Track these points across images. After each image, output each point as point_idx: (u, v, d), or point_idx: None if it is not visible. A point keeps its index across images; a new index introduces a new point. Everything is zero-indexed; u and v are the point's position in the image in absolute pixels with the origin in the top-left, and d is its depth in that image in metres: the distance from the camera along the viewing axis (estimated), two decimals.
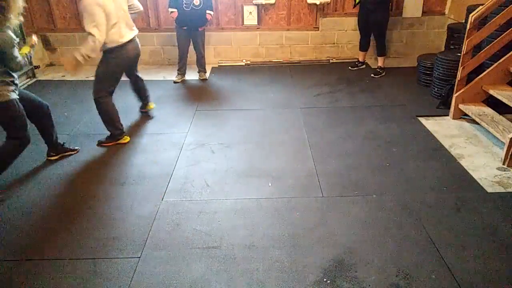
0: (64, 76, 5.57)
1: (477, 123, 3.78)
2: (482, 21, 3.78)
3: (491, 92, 3.77)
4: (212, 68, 5.81)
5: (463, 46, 3.86)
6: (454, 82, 4.09)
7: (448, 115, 4.14)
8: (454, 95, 4.03)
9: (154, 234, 2.61)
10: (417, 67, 5.04)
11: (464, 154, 3.44)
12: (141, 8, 3.86)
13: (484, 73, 3.85)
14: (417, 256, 2.37)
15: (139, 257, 2.42)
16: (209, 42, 5.77)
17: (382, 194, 2.94)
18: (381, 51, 5.29)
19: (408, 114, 4.21)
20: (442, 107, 4.29)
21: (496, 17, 3.63)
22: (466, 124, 3.96)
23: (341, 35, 5.89)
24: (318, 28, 5.83)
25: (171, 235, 2.59)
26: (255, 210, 2.81)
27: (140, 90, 4.18)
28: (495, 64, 3.77)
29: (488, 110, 3.80)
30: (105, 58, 3.54)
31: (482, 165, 3.28)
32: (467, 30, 3.79)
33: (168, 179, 3.18)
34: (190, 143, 3.75)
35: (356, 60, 5.72)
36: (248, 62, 5.94)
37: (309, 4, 5.66)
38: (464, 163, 3.31)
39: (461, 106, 3.98)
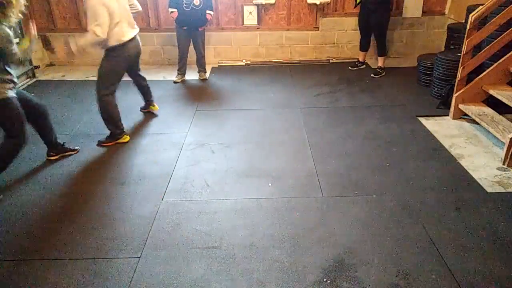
0: (64, 76, 5.58)
1: (477, 123, 3.78)
2: (482, 21, 3.78)
3: (491, 92, 3.77)
4: (212, 68, 5.81)
5: (463, 46, 3.86)
6: (454, 82, 4.09)
7: (448, 115, 4.14)
8: (454, 95, 4.03)
9: (154, 234, 2.61)
10: (417, 67, 5.04)
11: (464, 154, 3.44)
12: (140, 8, 3.88)
13: (484, 73, 3.85)
14: (417, 256, 2.37)
15: (139, 257, 2.42)
16: (209, 42, 5.77)
17: (382, 194, 2.94)
18: (382, 51, 5.29)
19: (408, 114, 4.21)
20: (442, 107, 4.29)
21: (496, 17, 3.63)
22: (466, 124, 3.96)
23: (341, 35, 5.89)
24: (318, 28, 5.83)
25: (171, 235, 2.59)
26: (255, 210, 2.81)
27: (143, 89, 4.19)
28: (495, 64, 3.77)
29: (488, 110, 3.80)
30: (107, 56, 3.56)
31: (482, 165, 3.28)
32: (467, 30, 3.79)
33: (168, 179, 3.18)
34: (190, 143, 3.75)
35: (356, 60, 5.72)
36: (248, 62, 5.94)
37: (309, 4, 5.66)
38: (464, 163, 3.31)
39: (461, 106, 3.98)
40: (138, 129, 4.02)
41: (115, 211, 2.83)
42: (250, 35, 5.86)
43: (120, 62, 3.60)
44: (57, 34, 5.78)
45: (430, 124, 3.99)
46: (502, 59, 3.73)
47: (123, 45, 3.52)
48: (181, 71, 5.31)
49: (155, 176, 3.22)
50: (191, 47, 5.21)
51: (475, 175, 3.14)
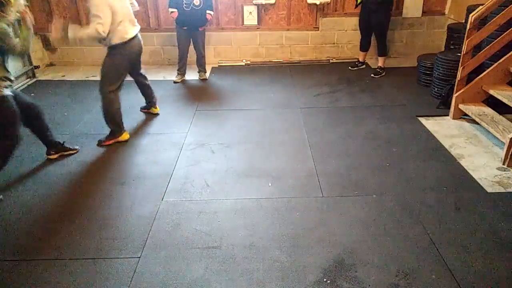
0: (64, 76, 5.58)
1: (477, 123, 3.78)
2: (482, 21, 3.78)
3: (491, 92, 3.77)
4: (212, 68, 5.81)
5: (463, 46, 3.86)
6: (454, 82, 4.09)
7: (448, 115, 4.14)
8: (454, 95, 4.03)
9: (154, 234, 2.61)
10: (417, 67, 5.04)
11: (464, 154, 3.44)
12: (138, 7, 3.91)
13: (484, 73, 3.84)
14: (417, 256, 2.37)
15: (139, 257, 2.42)
16: (209, 42, 5.77)
17: (382, 194, 2.94)
18: (382, 51, 5.29)
19: (408, 114, 4.21)
20: (442, 107, 4.29)
21: (496, 17, 3.63)
22: (466, 124, 3.96)
23: (341, 35, 5.89)
24: (318, 28, 5.83)
25: (171, 235, 2.59)
26: (255, 210, 2.81)
27: (145, 88, 4.19)
28: (495, 64, 3.77)
29: (488, 110, 3.80)
30: (110, 54, 3.59)
31: (482, 165, 3.28)
32: (467, 30, 3.79)
33: (168, 179, 3.18)
34: (190, 143, 3.75)
35: (356, 60, 5.72)
36: (248, 62, 5.94)
37: (309, 4, 5.66)
38: (464, 163, 3.31)
39: (461, 106, 3.98)
40: (138, 129, 4.02)
41: (115, 211, 2.83)
42: (250, 35, 5.86)
43: (123, 60, 3.63)
44: None
45: (430, 124, 3.99)
46: (502, 59, 3.73)
47: (126, 43, 3.56)
48: (181, 71, 5.31)
49: (155, 176, 3.22)
50: (191, 47, 5.21)
51: (475, 175, 3.14)
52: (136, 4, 3.86)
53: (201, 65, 5.35)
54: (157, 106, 4.34)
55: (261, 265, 2.34)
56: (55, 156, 3.48)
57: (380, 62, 5.37)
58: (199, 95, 4.90)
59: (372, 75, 5.32)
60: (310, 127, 3.99)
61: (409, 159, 3.38)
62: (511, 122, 3.57)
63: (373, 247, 2.45)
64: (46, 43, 5.87)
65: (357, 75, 5.38)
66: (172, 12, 4.90)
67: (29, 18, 2.96)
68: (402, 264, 2.32)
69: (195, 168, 3.33)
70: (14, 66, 5.13)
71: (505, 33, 3.64)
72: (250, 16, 5.73)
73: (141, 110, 4.38)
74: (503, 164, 3.27)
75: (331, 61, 5.94)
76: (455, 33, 4.95)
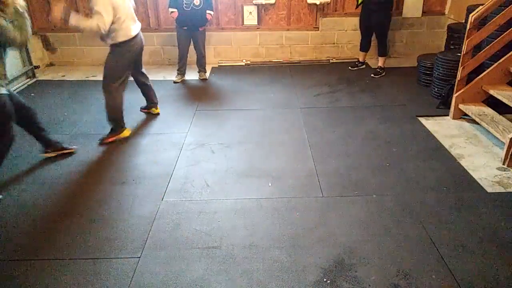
0: (64, 76, 5.58)
1: (477, 123, 3.78)
2: (482, 21, 3.78)
3: (491, 92, 3.77)
4: (212, 68, 5.81)
5: (463, 46, 3.86)
6: (454, 82, 4.09)
7: (448, 115, 4.14)
8: (454, 95, 4.03)
9: (154, 234, 2.61)
10: (417, 67, 5.04)
11: (464, 154, 3.44)
12: (134, 5, 3.94)
13: (484, 73, 3.85)
14: (417, 256, 2.37)
15: (139, 257, 2.42)
16: (209, 42, 5.77)
17: (382, 194, 2.94)
18: (383, 51, 5.29)
19: (408, 114, 4.21)
20: (442, 107, 4.29)
21: (496, 17, 3.63)
22: (466, 124, 3.96)
23: (341, 35, 5.89)
24: (318, 28, 5.83)
25: (171, 235, 2.59)
26: (255, 210, 2.81)
27: (145, 88, 4.20)
28: (495, 64, 3.77)
29: (488, 110, 3.80)
30: (114, 52, 3.62)
31: (482, 165, 3.28)
32: (467, 30, 3.79)
33: (168, 179, 3.18)
34: (190, 143, 3.75)
35: (356, 60, 5.72)
36: (248, 62, 5.94)
37: (309, 4, 5.66)
38: (464, 163, 3.31)
39: (461, 106, 3.98)
40: (138, 129, 4.02)
41: (115, 211, 2.83)
42: (250, 35, 5.86)
43: (127, 57, 3.67)
44: (57, 34, 5.79)
45: (430, 124, 3.99)
46: (502, 59, 3.73)
47: (130, 40, 3.62)
48: (181, 71, 5.31)
49: (155, 176, 3.22)
50: (191, 47, 5.21)
51: (475, 175, 3.14)
52: (133, 1, 3.88)
53: (201, 65, 5.35)
54: (158, 107, 4.34)
55: (261, 265, 2.34)
56: (52, 154, 3.47)
57: (380, 62, 5.37)
58: (199, 95, 4.90)
59: (372, 75, 5.32)
60: (310, 127, 3.99)
61: (409, 159, 3.38)
62: (511, 122, 3.57)
63: (373, 247, 2.45)
64: (46, 43, 5.87)
65: (357, 75, 5.38)
66: (172, 12, 4.90)
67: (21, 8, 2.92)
68: (402, 264, 2.32)
69: (195, 168, 3.33)
70: (14, 66, 5.14)
71: (505, 33, 3.64)
72: (250, 16, 5.73)
73: (141, 110, 4.38)
74: (503, 164, 3.27)
75: (331, 61, 5.94)
76: (455, 33, 4.95)
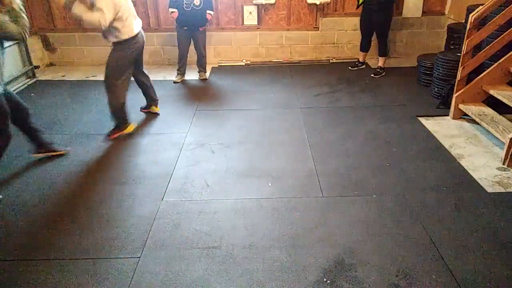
0: (64, 76, 5.58)
1: (477, 123, 3.78)
2: (482, 21, 3.78)
3: (491, 92, 3.77)
4: (212, 68, 5.81)
5: (463, 46, 3.86)
6: (454, 82, 4.09)
7: (448, 115, 4.14)
8: (454, 95, 4.03)
9: (154, 234, 2.61)
10: (417, 67, 5.04)
11: (464, 154, 3.44)
12: None
13: (484, 73, 3.84)
14: (417, 256, 2.37)
15: (139, 257, 2.42)
16: (209, 42, 5.76)
17: (382, 194, 2.94)
18: (383, 51, 5.29)
19: (408, 114, 4.21)
20: (442, 107, 4.29)
21: (496, 17, 3.63)
22: (466, 124, 3.96)
23: (341, 35, 5.89)
24: (318, 28, 5.83)
25: (171, 235, 2.59)
26: (255, 210, 2.81)
27: (145, 87, 4.21)
28: (495, 64, 3.77)
29: (488, 110, 3.80)
30: (117, 49, 3.66)
31: (482, 165, 3.28)
32: (467, 30, 3.79)
33: (168, 179, 3.18)
34: (190, 143, 3.75)
35: (356, 60, 5.72)
36: (248, 62, 5.94)
37: (309, 4, 5.66)
38: (464, 163, 3.30)
39: (461, 106, 3.98)
40: (138, 129, 4.02)
41: (115, 211, 2.83)
42: (250, 35, 5.86)
43: (129, 55, 3.71)
44: (57, 34, 5.79)
45: (430, 124, 3.99)
46: (502, 59, 3.73)
47: (133, 38, 3.66)
48: (181, 71, 5.31)
49: (155, 176, 3.22)
50: (192, 47, 5.21)
51: (475, 175, 3.14)
52: None
53: (201, 65, 5.35)
54: (158, 105, 4.35)
55: (261, 265, 2.34)
56: (42, 155, 3.44)
57: (381, 62, 5.37)
58: (199, 95, 4.90)
59: (372, 75, 5.32)
60: (310, 127, 3.99)
61: (409, 159, 3.38)
62: (511, 122, 3.57)
63: (373, 247, 2.45)
64: (46, 43, 5.87)
65: (357, 75, 5.38)
66: (172, 12, 4.91)
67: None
68: (402, 264, 2.32)
69: (195, 168, 3.33)
70: (14, 66, 5.14)
71: (505, 33, 3.64)
72: (250, 16, 5.73)
73: (141, 110, 4.38)
74: (503, 164, 3.27)
75: (331, 61, 5.94)
76: (455, 33, 4.95)
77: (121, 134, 3.83)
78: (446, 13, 5.76)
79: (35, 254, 2.46)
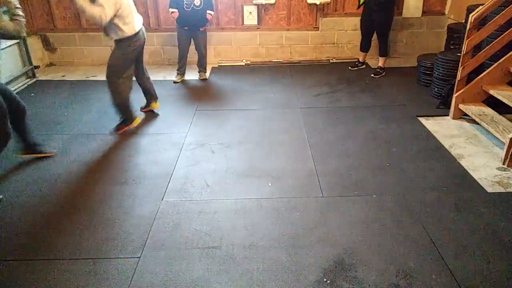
0: (64, 76, 5.58)
1: (477, 123, 3.78)
2: (482, 21, 3.78)
3: (491, 92, 3.77)
4: (212, 68, 5.81)
5: (463, 46, 3.86)
6: (454, 82, 4.09)
7: (448, 115, 4.14)
8: (454, 95, 4.03)
9: (154, 234, 2.61)
10: (417, 67, 5.04)
11: (464, 154, 3.44)
12: None
13: (484, 73, 3.84)
14: (417, 256, 2.37)
15: (139, 257, 2.42)
16: (209, 42, 5.75)
17: (382, 194, 2.94)
18: (384, 51, 5.29)
19: (408, 114, 4.21)
20: (442, 107, 4.29)
21: (496, 17, 3.63)
22: (466, 124, 3.96)
23: (341, 35, 5.89)
24: (318, 28, 5.83)
25: (171, 235, 2.59)
26: (255, 210, 2.81)
27: (145, 85, 4.23)
28: (495, 64, 3.77)
29: (488, 110, 3.80)
30: (120, 46, 3.70)
31: (482, 165, 3.28)
32: (467, 30, 3.79)
33: (168, 179, 3.18)
34: (190, 143, 3.75)
35: (356, 60, 5.72)
36: (248, 62, 5.94)
37: (309, 4, 5.66)
38: (464, 163, 3.30)
39: (461, 106, 3.98)
40: (138, 129, 4.02)
41: (115, 211, 2.83)
42: (250, 35, 5.86)
43: (132, 51, 3.75)
44: (57, 34, 5.79)
45: (430, 124, 3.99)
46: (502, 59, 3.72)
47: (134, 35, 3.70)
48: (181, 71, 5.31)
49: (155, 176, 3.22)
50: (192, 47, 5.21)
51: (475, 175, 3.14)
52: None
53: (201, 65, 5.35)
54: (157, 102, 4.37)
55: (261, 265, 2.34)
56: (29, 156, 3.42)
57: (381, 62, 5.37)
58: (199, 95, 4.90)
59: (372, 75, 5.32)
60: (310, 127, 3.99)
61: (409, 159, 3.38)
62: (511, 122, 3.57)
63: (373, 247, 2.45)
64: (46, 43, 5.87)
65: (357, 75, 5.38)
66: (172, 12, 4.91)
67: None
68: (402, 264, 2.32)
69: (195, 168, 3.33)
70: (14, 66, 5.14)
71: (505, 33, 3.64)
72: (250, 16, 5.73)
73: (141, 110, 4.38)
74: (503, 164, 3.27)
75: (331, 61, 5.94)
76: (455, 33, 4.95)
77: (129, 128, 3.93)
78: (446, 13, 5.76)
79: (35, 254, 2.46)
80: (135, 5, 3.85)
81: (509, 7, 3.54)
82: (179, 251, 2.46)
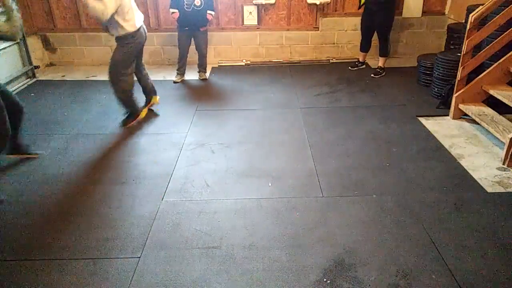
0: (64, 76, 5.58)
1: (477, 123, 3.78)
2: (482, 21, 3.78)
3: (491, 92, 3.77)
4: (212, 68, 5.81)
5: (463, 46, 3.86)
6: (454, 82, 4.09)
7: (448, 115, 4.14)
8: (454, 95, 4.03)
9: (154, 234, 2.61)
10: (417, 67, 5.04)
11: (464, 154, 3.44)
12: None
13: (484, 73, 3.84)
14: (417, 256, 2.37)
15: (139, 257, 2.42)
16: (209, 42, 5.74)
17: (382, 194, 2.94)
18: (384, 51, 5.28)
19: (408, 114, 4.21)
20: (442, 107, 4.29)
21: (496, 17, 3.63)
22: (466, 124, 3.96)
23: (341, 35, 5.89)
24: (318, 28, 5.83)
25: (171, 235, 2.59)
26: (255, 210, 2.81)
27: (145, 82, 4.26)
28: (495, 64, 3.77)
29: (488, 110, 3.80)
30: (122, 44, 3.75)
31: (482, 165, 3.28)
32: (467, 30, 3.79)
33: (168, 179, 3.18)
34: (190, 143, 3.75)
35: (356, 60, 5.72)
36: (248, 62, 5.94)
37: (309, 4, 5.66)
38: (464, 163, 3.30)
39: (461, 106, 3.98)
40: (138, 129, 4.02)
41: (115, 211, 2.83)
42: (250, 35, 5.86)
43: (133, 48, 3.81)
44: (57, 34, 5.79)
45: (430, 124, 3.99)
46: (502, 59, 3.73)
47: (135, 32, 3.74)
48: (181, 71, 5.31)
49: (155, 176, 3.22)
50: (192, 47, 5.21)
51: (475, 175, 3.14)
52: None
53: (202, 65, 5.35)
54: (157, 96, 4.41)
55: (261, 265, 2.34)
56: (15, 156, 3.40)
57: (381, 62, 5.37)
58: (199, 95, 4.90)
59: (372, 75, 5.32)
60: (310, 127, 3.99)
61: (409, 159, 3.38)
62: (511, 122, 3.57)
63: (373, 247, 2.45)
64: (46, 43, 5.87)
65: (357, 75, 5.38)
66: (173, 12, 4.90)
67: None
68: (402, 264, 2.32)
69: (195, 168, 3.33)
70: (14, 66, 5.14)
71: (505, 33, 3.64)
72: (250, 16, 5.73)
73: (143, 108, 4.37)
74: (503, 164, 3.27)
75: (331, 61, 5.94)
76: (455, 33, 4.95)
77: (136, 121, 4.03)
78: (446, 13, 5.76)
79: (35, 254, 2.46)
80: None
81: (509, 7, 3.54)
82: (179, 251, 2.46)
